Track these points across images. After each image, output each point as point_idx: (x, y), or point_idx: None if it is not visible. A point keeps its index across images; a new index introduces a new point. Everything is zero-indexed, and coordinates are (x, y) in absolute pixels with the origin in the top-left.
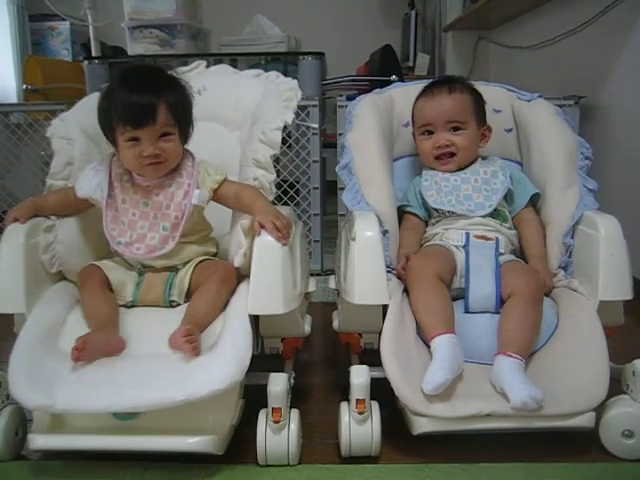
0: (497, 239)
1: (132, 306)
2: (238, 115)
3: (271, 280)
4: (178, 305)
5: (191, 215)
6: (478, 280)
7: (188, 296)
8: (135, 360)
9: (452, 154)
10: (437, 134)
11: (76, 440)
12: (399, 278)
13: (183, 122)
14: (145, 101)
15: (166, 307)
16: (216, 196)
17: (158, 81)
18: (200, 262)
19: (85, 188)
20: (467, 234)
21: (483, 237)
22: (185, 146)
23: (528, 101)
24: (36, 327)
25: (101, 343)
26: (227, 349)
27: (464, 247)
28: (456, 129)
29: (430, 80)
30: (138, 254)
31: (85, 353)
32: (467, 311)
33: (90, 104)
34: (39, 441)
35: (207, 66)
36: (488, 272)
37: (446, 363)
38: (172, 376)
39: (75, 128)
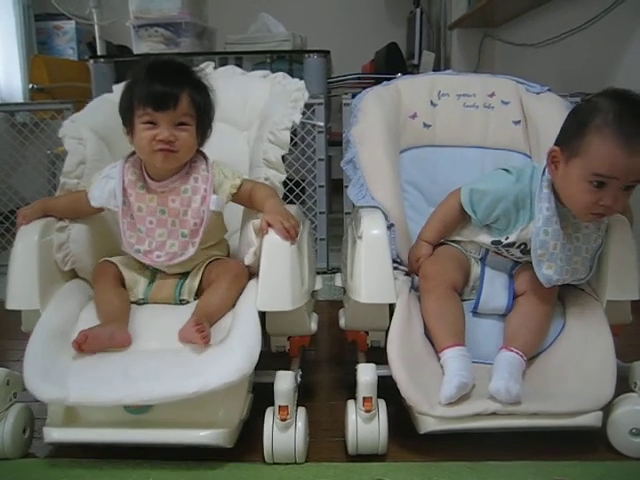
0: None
1: (143, 303)
2: (246, 115)
3: (279, 278)
4: (188, 303)
5: (209, 220)
6: (490, 291)
7: (197, 294)
8: (146, 354)
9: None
10: (610, 190)
11: (89, 433)
12: (407, 274)
13: (202, 119)
14: (169, 88)
15: (176, 304)
16: (233, 198)
17: (186, 77)
18: (211, 262)
19: (98, 198)
20: (487, 250)
21: (502, 255)
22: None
23: (537, 94)
24: (50, 323)
25: (104, 337)
26: (237, 344)
27: (481, 259)
28: (627, 188)
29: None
30: (159, 262)
31: (86, 346)
32: (475, 313)
33: (100, 105)
34: (54, 434)
35: (215, 67)
36: (501, 285)
37: (462, 372)
38: (183, 369)
39: (86, 128)
